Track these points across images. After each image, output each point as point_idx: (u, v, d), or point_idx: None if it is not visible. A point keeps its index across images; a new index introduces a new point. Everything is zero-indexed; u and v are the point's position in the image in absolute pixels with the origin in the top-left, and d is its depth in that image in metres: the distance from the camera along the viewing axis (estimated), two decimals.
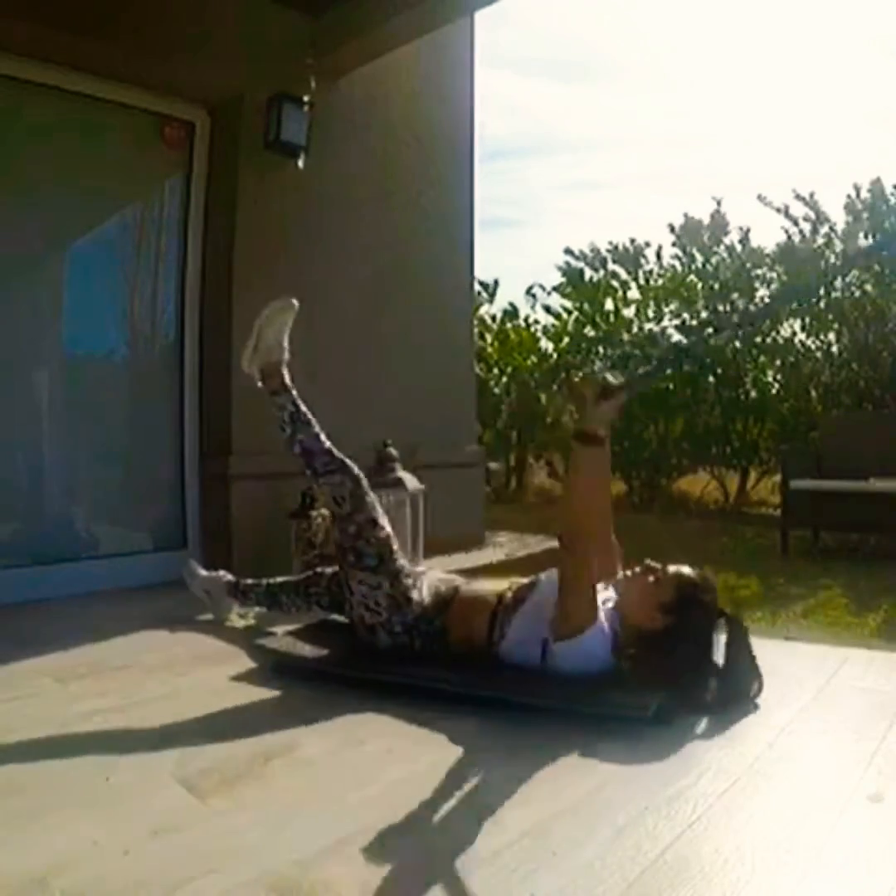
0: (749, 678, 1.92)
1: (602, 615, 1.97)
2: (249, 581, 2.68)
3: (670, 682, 1.88)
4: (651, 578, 2.00)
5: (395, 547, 2.33)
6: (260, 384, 2.58)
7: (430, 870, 1.22)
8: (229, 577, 2.72)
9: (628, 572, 2.09)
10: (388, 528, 2.36)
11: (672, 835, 1.32)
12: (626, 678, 1.94)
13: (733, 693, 1.90)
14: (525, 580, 2.19)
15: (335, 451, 2.45)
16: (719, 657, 1.95)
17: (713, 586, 2.04)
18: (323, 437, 2.47)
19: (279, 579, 2.65)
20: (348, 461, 2.42)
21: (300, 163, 3.54)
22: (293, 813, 1.41)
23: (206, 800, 1.46)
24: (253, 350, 2.58)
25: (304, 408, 2.50)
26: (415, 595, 2.23)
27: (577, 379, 1.96)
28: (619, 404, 1.88)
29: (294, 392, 2.52)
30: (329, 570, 2.54)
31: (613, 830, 1.34)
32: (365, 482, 2.40)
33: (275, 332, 2.55)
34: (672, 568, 2.02)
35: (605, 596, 2.09)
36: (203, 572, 2.77)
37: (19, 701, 1.96)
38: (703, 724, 1.81)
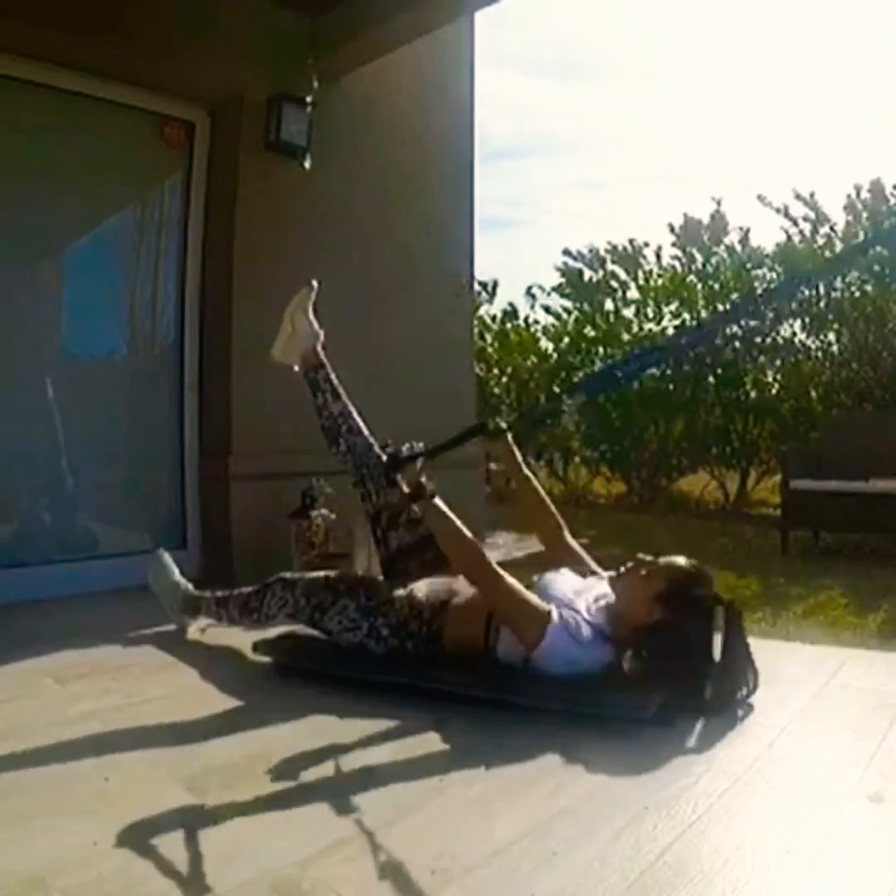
0: (744, 672, 1.92)
1: (555, 614, 1.95)
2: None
3: (672, 677, 1.88)
4: (642, 571, 2.01)
5: (336, 575, 2.33)
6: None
7: (430, 870, 1.22)
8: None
9: (621, 568, 2.09)
10: (329, 573, 2.37)
11: (672, 835, 1.32)
12: (629, 675, 1.94)
13: (729, 688, 1.90)
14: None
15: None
16: (716, 649, 1.94)
17: (708, 576, 2.04)
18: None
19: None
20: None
21: (307, 163, 3.53)
22: (293, 813, 1.41)
23: (206, 800, 1.46)
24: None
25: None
26: (396, 593, 2.22)
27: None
28: (413, 471, 2.23)
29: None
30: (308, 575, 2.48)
31: (613, 830, 1.34)
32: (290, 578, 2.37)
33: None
34: (663, 559, 2.03)
35: (599, 592, 2.10)
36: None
37: (19, 701, 1.97)
38: (703, 724, 1.80)
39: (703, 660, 1.93)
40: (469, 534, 2.13)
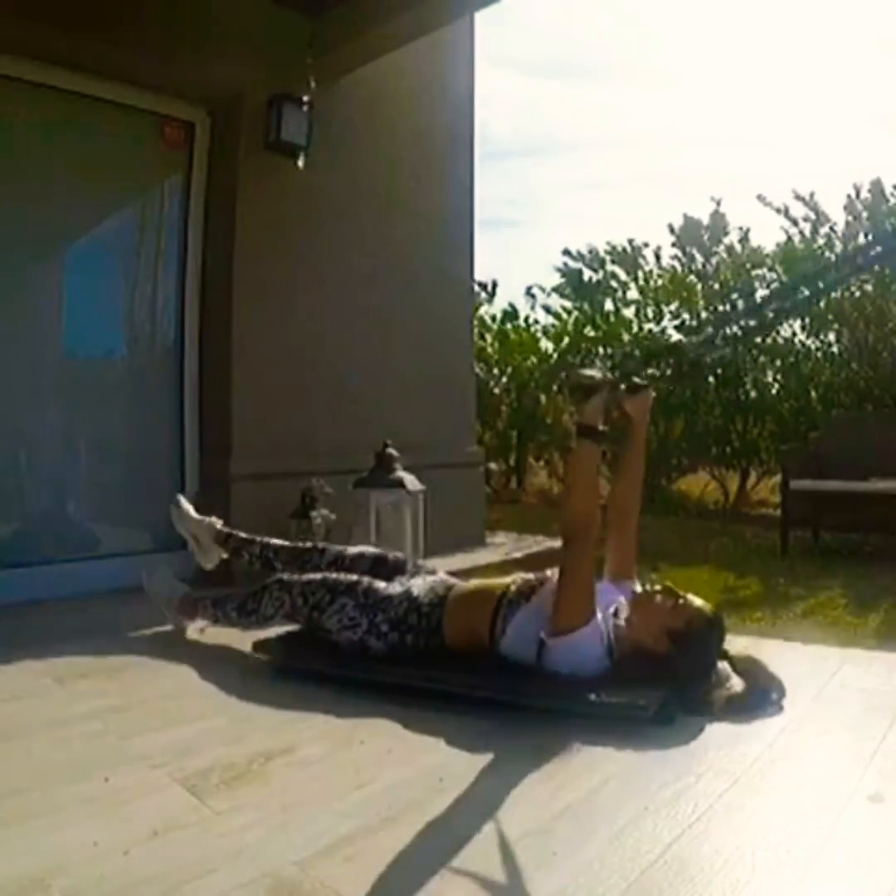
0: (770, 693, 1.92)
1: (599, 618, 1.97)
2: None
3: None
4: (670, 603, 1.98)
5: (335, 576, 2.33)
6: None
7: (430, 870, 1.22)
8: (220, 524, 2.70)
9: (647, 587, 2.09)
10: (326, 574, 2.37)
11: (672, 835, 1.32)
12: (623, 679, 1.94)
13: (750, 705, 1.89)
14: (531, 576, 2.18)
15: (314, 577, 2.35)
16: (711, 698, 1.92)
17: (724, 628, 2.03)
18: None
19: (276, 541, 2.63)
20: (285, 578, 2.38)
21: (300, 162, 3.54)
22: (293, 813, 1.41)
23: (205, 800, 1.46)
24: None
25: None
26: (393, 589, 2.23)
27: (571, 375, 2.05)
28: (602, 400, 2.02)
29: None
30: (335, 547, 2.57)
31: (613, 830, 1.34)
32: (291, 576, 2.38)
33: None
34: (692, 598, 2.01)
35: (610, 600, 2.09)
36: (194, 514, 2.76)
37: (19, 701, 1.97)
38: (703, 724, 1.80)
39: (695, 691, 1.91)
40: (597, 498, 2.03)
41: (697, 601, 2.01)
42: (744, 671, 1.97)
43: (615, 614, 2.05)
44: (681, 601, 1.99)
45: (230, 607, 2.43)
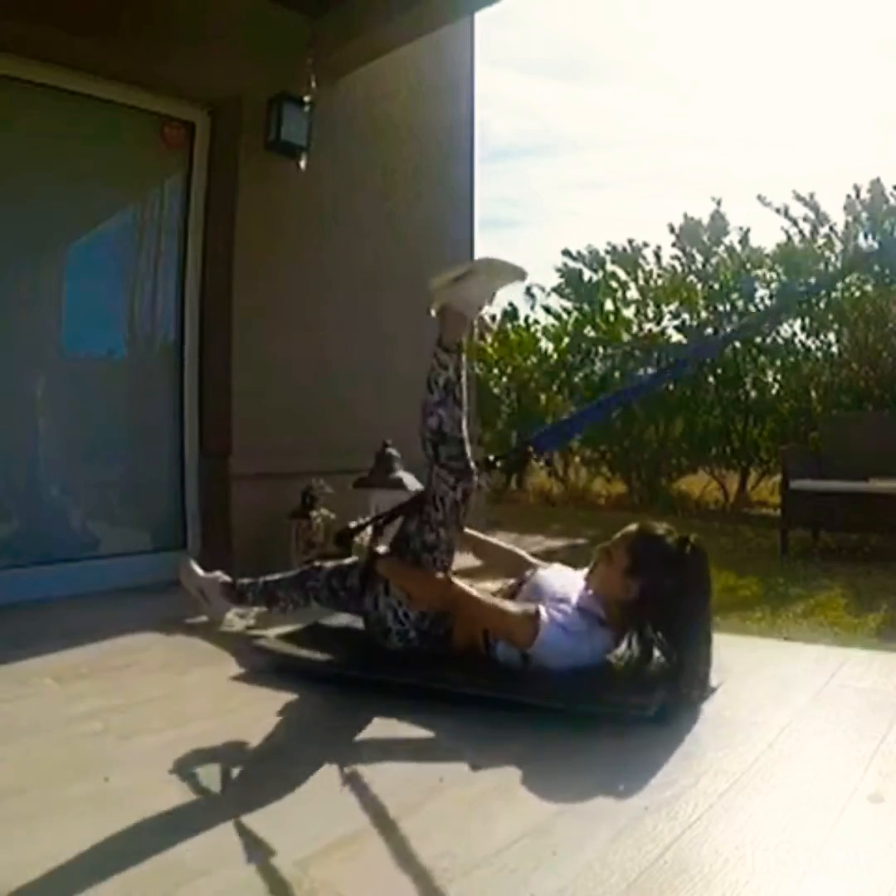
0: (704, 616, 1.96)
1: (544, 613, 1.98)
2: (245, 581, 2.65)
3: (681, 641, 1.92)
4: (607, 557, 2.03)
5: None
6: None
7: (431, 870, 1.22)
8: (226, 578, 2.70)
9: (590, 566, 2.13)
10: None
11: (672, 835, 1.32)
12: (639, 658, 1.97)
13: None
14: (512, 580, 2.28)
15: (467, 448, 2.18)
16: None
17: (661, 528, 2.05)
18: (464, 425, 2.19)
19: (275, 576, 2.64)
20: (473, 467, 2.19)
21: (302, 163, 3.53)
22: (293, 813, 1.41)
23: (206, 800, 1.46)
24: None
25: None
26: None
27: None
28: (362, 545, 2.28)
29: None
30: (329, 563, 2.53)
31: (613, 830, 1.34)
32: (470, 501, 2.20)
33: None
34: (616, 537, 2.05)
35: (561, 592, 2.12)
36: (199, 572, 2.75)
37: (19, 701, 1.97)
38: (703, 724, 1.81)
39: (699, 601, 1.95)
40: (423, 578, 2.12)
41: (622, 531, 2.06)
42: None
43: (592, 594, 2.07)
44: (609, 544, 2.04)
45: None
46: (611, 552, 2.03)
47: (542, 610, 1.98)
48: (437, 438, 2.14)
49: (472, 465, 2.17)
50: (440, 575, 2.11)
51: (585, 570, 2.21)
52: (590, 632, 1.99)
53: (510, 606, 2.05)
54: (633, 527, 2.06)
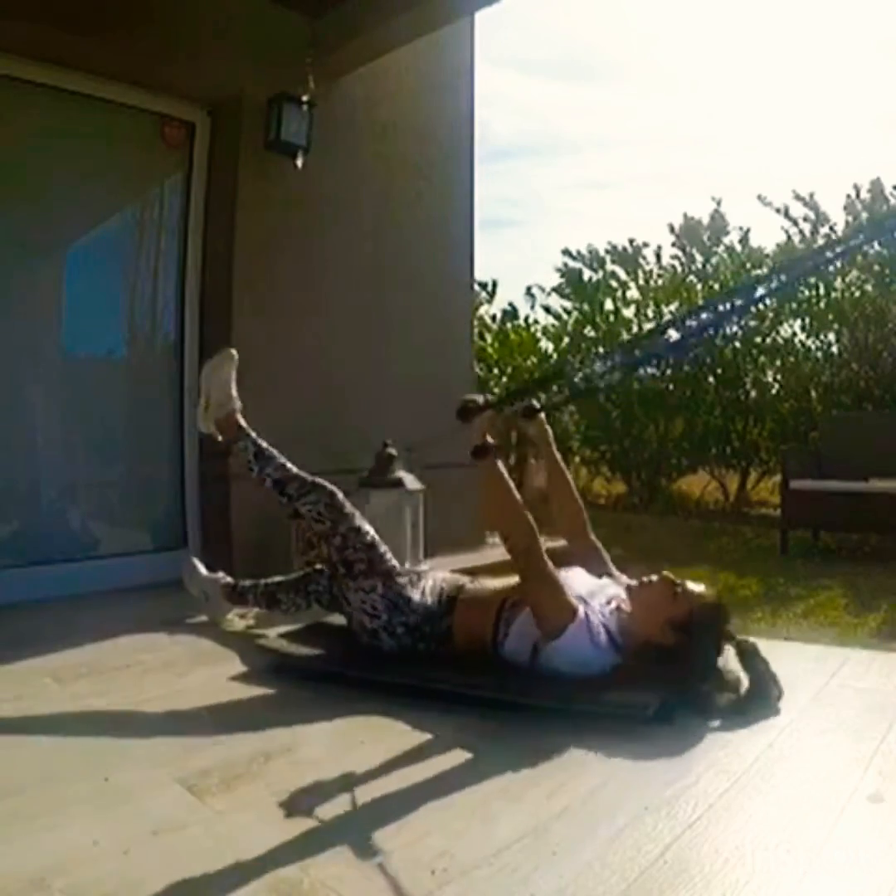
0: (770, 695, 1.91)
1: (582, 612, 1.97)
2: (247, 583, 2.66)
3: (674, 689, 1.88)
4: (670, 593, 1.98)
5: (383, 549, 2.34)
6: (219, 439, 2.64)
7: (430, 870, 1.22)
8: (228, 579, 2.71)
9: (644, 579, 2.07)
10: (373, 533, 2.38)
11: (672, 835, 1.32)
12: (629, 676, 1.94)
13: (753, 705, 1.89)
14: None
15: (303, 474, 2.47)
16: (736, 678, 1.94)
17: (727, 612, 2.04)
18: (288, 464, 2.50)
19: (277, 579, 2.64)
20: (319, 480, 2.46)
21: (299, 162, 3.53)
22: (293, 813, 1.41)
23: (205, 800, 1.46)
24: (204, 408, 2.65)
25: (264, 444, 2.54)
26: (414, 595, 2.23)
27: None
28: (485, 420, 2.10)
29: (252, 434, 2.57)
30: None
31: (613, 830, 1.34)
32: (340, 494, 2.43)
33: (222, 386, 2.62)
34: (691, 585, 2.00)
35: (612, 594, 2.09)
36: (203, 572, 2.75)
37: (19, 701, 1.96)
38: (703, 724, 1.80)
39: (702, 688, 1.92)
40: (519, 505, 2.06)
41: (697, 588, 2.00)
42: (747, 663, 1.95)
43: (618, 609, 2.05)
44: (679, 590, 1.98)
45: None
46: (676, 592, 1.98)
47: (581, 610, 1.97)
48: (278, 489, 2.47)
49: (313, 478, 2.45)
50: (530, 517, 2.05)
51: (606, 580, 2.20)
52: (607, 649, 1.97)
53: (566, 587, 2.00)
54: (709, 593, 2.01)
